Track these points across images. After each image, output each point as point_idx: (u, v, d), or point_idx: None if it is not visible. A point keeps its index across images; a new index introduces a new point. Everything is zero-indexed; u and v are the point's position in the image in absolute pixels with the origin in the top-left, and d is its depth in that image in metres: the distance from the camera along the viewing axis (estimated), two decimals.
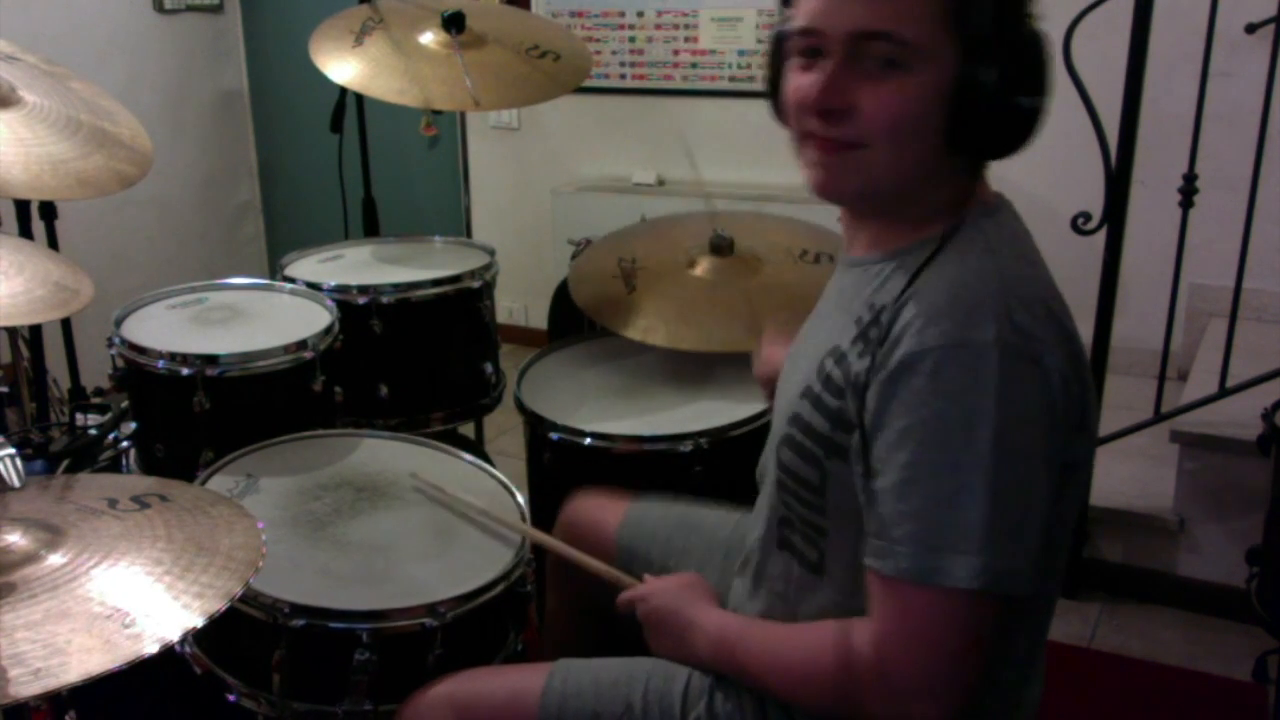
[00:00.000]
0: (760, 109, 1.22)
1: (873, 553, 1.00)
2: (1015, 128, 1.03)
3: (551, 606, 1.67)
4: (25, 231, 2.22)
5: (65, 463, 1.87)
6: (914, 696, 0.98)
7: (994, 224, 1.06)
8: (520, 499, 1.62)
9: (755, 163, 3.62)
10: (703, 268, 2.02)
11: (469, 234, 4.27)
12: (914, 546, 0.96)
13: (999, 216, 1.08)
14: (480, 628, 1.44)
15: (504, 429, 3.20)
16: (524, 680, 1.26)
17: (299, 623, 1.35)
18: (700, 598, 1.25)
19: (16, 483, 1.10)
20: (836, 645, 1.02)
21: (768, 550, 1.21)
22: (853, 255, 1.15)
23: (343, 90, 2.50)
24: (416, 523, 1.56)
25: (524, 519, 1.57)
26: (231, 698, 1.43)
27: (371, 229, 2.80)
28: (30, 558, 1.03)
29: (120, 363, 1.90)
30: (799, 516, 1.14)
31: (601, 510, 1.59)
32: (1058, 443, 0.98)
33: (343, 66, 2.16)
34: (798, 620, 1.15)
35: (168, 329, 1.97)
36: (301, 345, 1.90)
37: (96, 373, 2.25)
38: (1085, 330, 2.68)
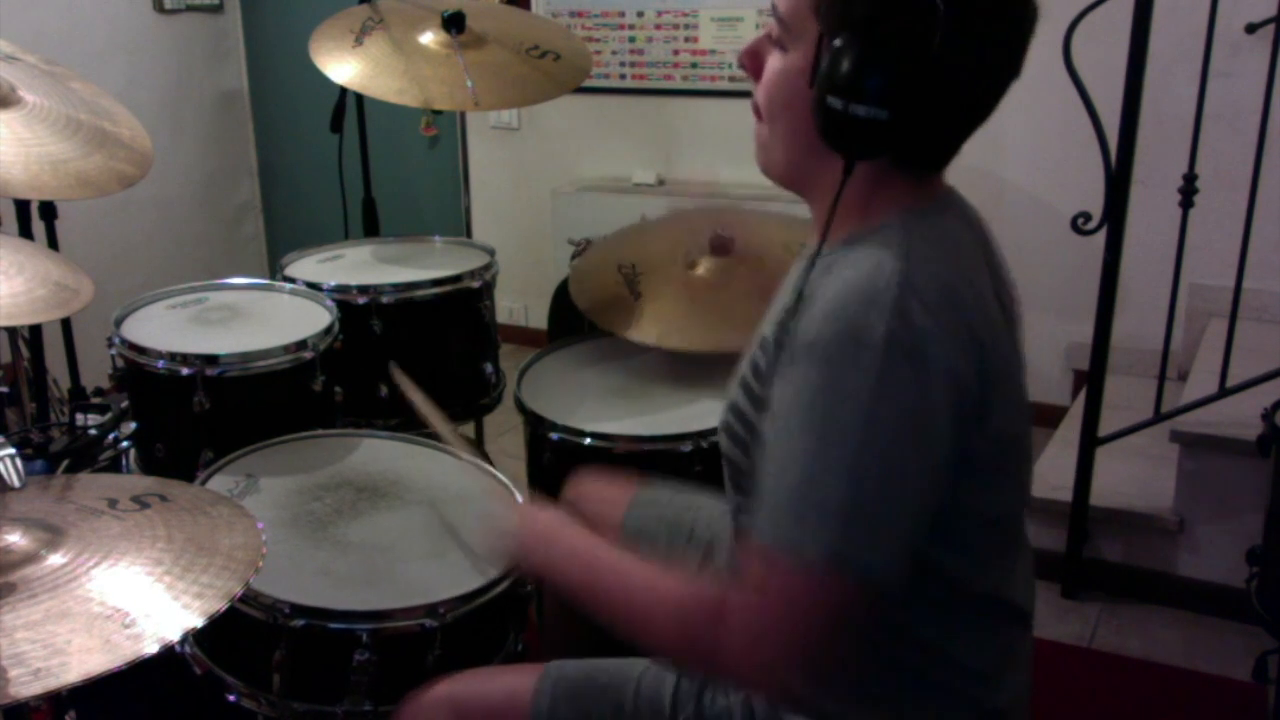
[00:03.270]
0: None
1: (749, 516, 1.03)
2: (855, 134, 1.00)
3: (549, 608, 1.67)
4: (25, 231, 2.22)
5: (65, 463, 1.87)
6: (751, 658, 1.00)
7: (926, 225, 1.06)
8: (520, 499, 1.62)
9: (756, 162, 3.61)
10: (703, 267, 2.02)
11: (469, 234, 4.27)
12: (778, 516, 0.99)
13: (935, 218, 1.07)
14: (480, 628, 1.44)
15: (504, 429, 3.19)
16: (517, 681, 1.26)
17: (299, 623, 1.35)
18: (571, 522, 1.27)
19: (16, 483, 1.11)
20: (687, 591, 1.06)
21: (732, 539, 1.25)
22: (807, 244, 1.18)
23: (343, 90, 2.50)
24: (416, 523, 1.56)
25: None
26: (231, 698, 1.43)
27: (371, 229, 2.80)
28: (30, 558, 1.03)
29: (120, 363, 1.90)
30: (745, 504, 1.16)
31: (609, 492, 1.58)
32: (938, 442, 0.98)
33: (343, 66, 2.17)
34: None
35: (168, 329, 1.97)
36: (301, 345, 1.90)
37: (96, 373, 2.25)
38: (1085, 330, 2.68)
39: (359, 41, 2.21)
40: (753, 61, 1.11)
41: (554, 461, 1.82)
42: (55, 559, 1.04)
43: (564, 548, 1.22)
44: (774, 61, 1.08)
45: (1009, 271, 1.20)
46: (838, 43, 0.99)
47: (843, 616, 0.99)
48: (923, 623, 1.08)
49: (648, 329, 1.93)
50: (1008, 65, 1.03)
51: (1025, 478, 1.13)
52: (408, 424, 2.20)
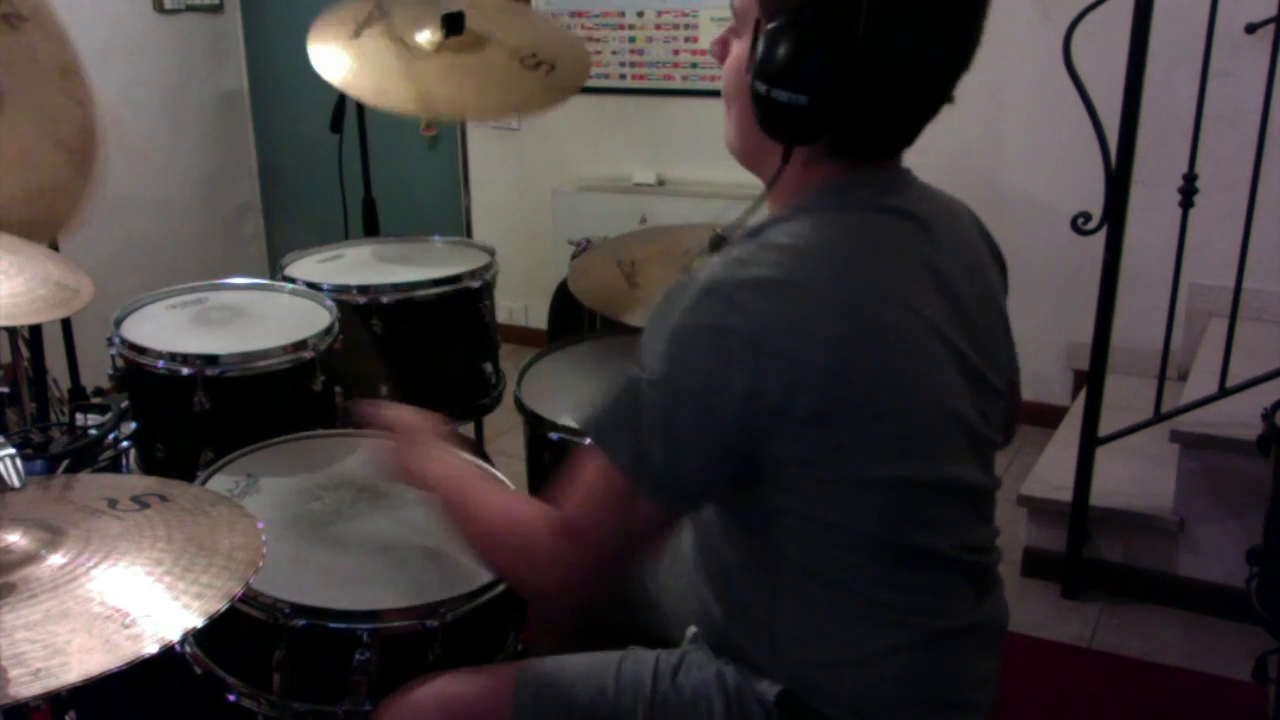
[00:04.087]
0: None
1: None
2: (778, 119, 1.05)
3: (534, 611, 1.67)
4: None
5: (65, 463, 1.87)
6: (560, 546, 1.11)
7: (826, 200, 1.10)
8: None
9: None
10: (702, 267, 2.02)
11: (469, 234, 4.27)
12: (597, 414, 1.09)
13: (836, 197, 1.10)
14: (480, 628, 1.44)
15: (504, 429, 3.19)
16: (495, 678, 1.27)
17: (299, 623, 1.35)
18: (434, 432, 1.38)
19: (16, 483, 1.10)
20: (531, 506, 1.18)
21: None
22: None
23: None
24: (416, 523, 1.56)
25: None
26: (231, 698, 1.43)
27: (371, 229, 2.80)
28: (30, 558, 1.03)
29: (120, 363, 1.90)
30: None
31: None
32: (730, 385, 1.01)
33: (337, 61, 2.15)
34: (719, 572, 1.22)
35: (168, 329, 1.97)
36: (301, 345, 1.90)
37: (96, 373, 2.25)
38: (1085, 330, 2.68)
39: (358, 34, 2.20)
40: (721, 50, 1.16)
41: (554, 461, 1.82)
42: (55, 559, 1.04)
43: (437, 467, 1.30)
44: (731, 50, 1.14)
45: (988, 262, 1.20)
46: (768, 29, 1.03)
47: (635, 525, 1.08)
48: (859, 573, 1.09)
49: (644, 314, 1.92)
50: (947, 54, 1.04)
51: (950, 443, 1.10)
52: None
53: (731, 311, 1.01)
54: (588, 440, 1.11)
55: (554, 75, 2.24)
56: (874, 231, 1.10)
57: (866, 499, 1.06)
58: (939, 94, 1.07)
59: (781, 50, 1.01)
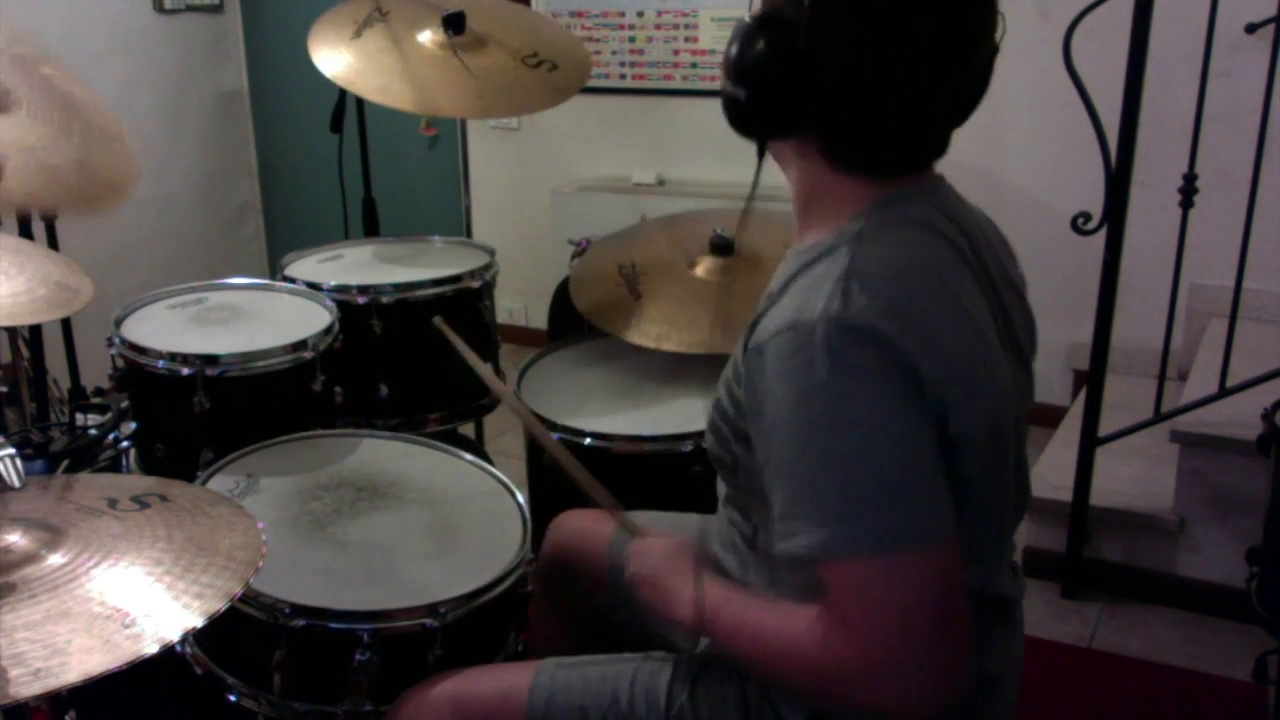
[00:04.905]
0: None
1: (777, 539, 1.01)
2: (728, 110, 1.08)
3: (539, 613, 1.67)
4: (25, 231, 2.22)
5: (65, 463, 1.87)
6: (869, 676, 0.95)
7: (884, 215, 1.07)
8: (520, 498, 1.62)
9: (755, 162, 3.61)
10: (703, 268, 2.02)
11: (469, 234, 4.27)
12: (804, 525, 0.97)
13: (884, 214, 1.07)
14: (480, 628, 1.44)
15: (504, 429, 3.20)
16: (513, 677, 1.27)
17: (299, 623, 1.34)
18: (685, 567, 1.21)
19: (16, 483, 1.10)
20: (802, 626, 1.00)
21: (723, 525, 1.27)
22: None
23: (342, 90, 2.50)
24: (416, 523, 1.56)
25: (524, 519, 1.57)
26: (232, 698, 1.43)
27: (371, 229, 2.80)
28: (30, 558, 1.03)
29: (120, 363, 1.90)
30: (729, 497, 1.21)
31: (593, 523, 1.57)
32: (911, 404, 0.97)
33: (337, 59, 2.15)
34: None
35: (168, 329, 1.97)
36: (301, 345, 1.90)
37: (96, 373, 2.25)
38: (1085, 330, 2.68)
39: (358, 34, 2.20)
40: None
41: (554, 461, 1.82)
42: (55, 559, 1.04)
43: (683, 610, 1.15)
44: None
45: (1010, 265, 1.20)
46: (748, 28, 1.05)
47: (931, 587, 0.95)
48: None
49: (648, 330, 1.93)
50: (927, 67, 1.01)
51: (1002, 474, 1.10)
52: (408, 424, 2.20)
53: (871, 335, 0.96)
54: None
55: (555, 74, 2.24)
56: (932, 242, 1.08)
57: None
58: (930, 105, 1.04)
59: (733, 47, 1.05)
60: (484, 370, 1.66)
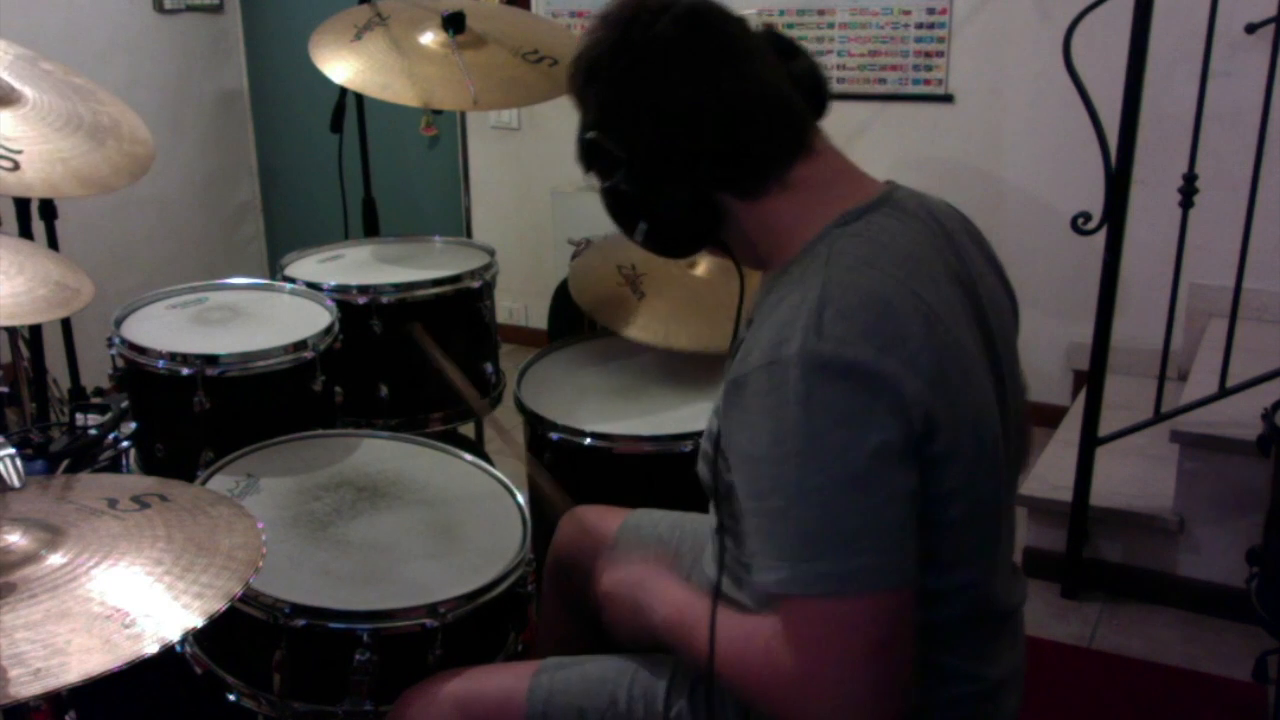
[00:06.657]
0: None
1: (754, 570, 1.03)
2: (664, 247, 1.18)
3: (546, 609, 1.67)
4: (25, 231, 2.22)
5: (65, 463, 1.87)
6: (807, 703, 0.98)
7: (847, 234, 1.06)
8: (520, 499, 1.62)
9: None
10: (703, 267, 2.02)
11: (469, 234, 4.27)
12: (769, 561, 0.99)
13: (857, 225, 1.07)
14: (480, 628, 1.44)
15: (504, 429, 3.19)
16: (513, 677, 1.27)
17: (299, 623, 1.35)
18: (656, 584, 1.23)
19: (16, 483, 1.10)
20: (759, 640, 1.02)
21: (714, 553, 1.25)
22: None
23: (343, 90, 2.50)
24: (416, 523, 1.56)
25: (524, 519, 1.57)
26: (231, 698, 1.43)
27: (371, 229, 2.80)
28: (30, 558, 1.03)
29: (120, 363, 1.90)
30: (721, 526, 1.19)
31: (600, 518, 1.58)
32: (887, 433, 0.96)
33: (340, 65, 2.16)
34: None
35: (168, 329, 1.97)
36: (301, 345, 1.90)
37: (96, 373, 2.25)
38: (1085, 330, 2.68)
39: (358, 37, 2.20)
40: None
41: (554, 461, 1.82)
42: (55, 559, 1.04)
43: (655, 619, 1.18)
44: None
45: (982, 247, 1.19)
46: None
47: (892, 626, 0.97)
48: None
49: (649, 328, 1.93)
50: (730, 92, 1.06)
51: (994, 475, 1.10)
52: (408, 424, 2.20)
53: (842, 361, 0.97)
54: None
55: (556, 69, 2.24)
56: (906, 246, 1.07)
57: (948, 538, 1.04)
58: (773, 126, 1.08)
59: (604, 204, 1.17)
60: (454, 373, 1.74)
